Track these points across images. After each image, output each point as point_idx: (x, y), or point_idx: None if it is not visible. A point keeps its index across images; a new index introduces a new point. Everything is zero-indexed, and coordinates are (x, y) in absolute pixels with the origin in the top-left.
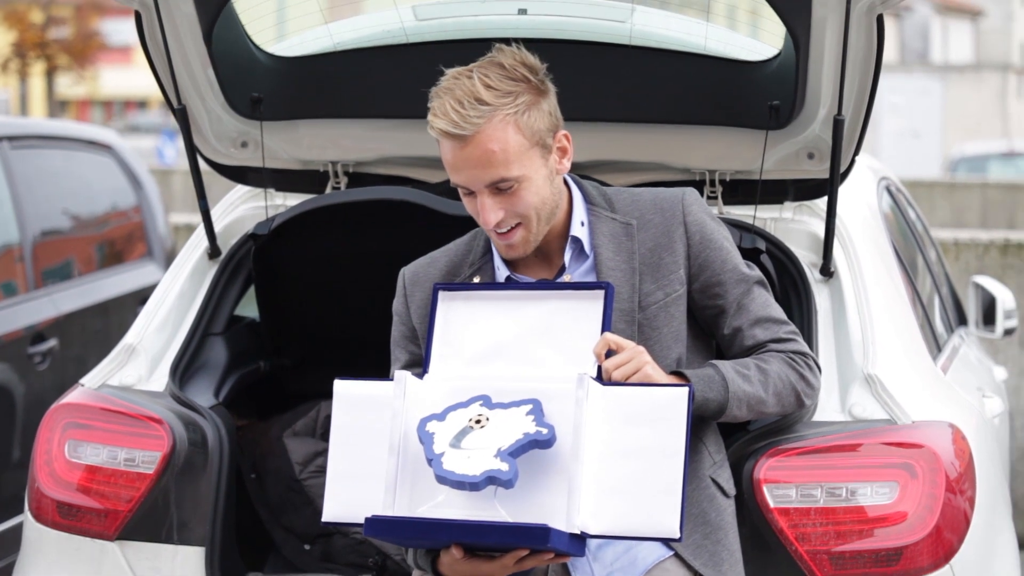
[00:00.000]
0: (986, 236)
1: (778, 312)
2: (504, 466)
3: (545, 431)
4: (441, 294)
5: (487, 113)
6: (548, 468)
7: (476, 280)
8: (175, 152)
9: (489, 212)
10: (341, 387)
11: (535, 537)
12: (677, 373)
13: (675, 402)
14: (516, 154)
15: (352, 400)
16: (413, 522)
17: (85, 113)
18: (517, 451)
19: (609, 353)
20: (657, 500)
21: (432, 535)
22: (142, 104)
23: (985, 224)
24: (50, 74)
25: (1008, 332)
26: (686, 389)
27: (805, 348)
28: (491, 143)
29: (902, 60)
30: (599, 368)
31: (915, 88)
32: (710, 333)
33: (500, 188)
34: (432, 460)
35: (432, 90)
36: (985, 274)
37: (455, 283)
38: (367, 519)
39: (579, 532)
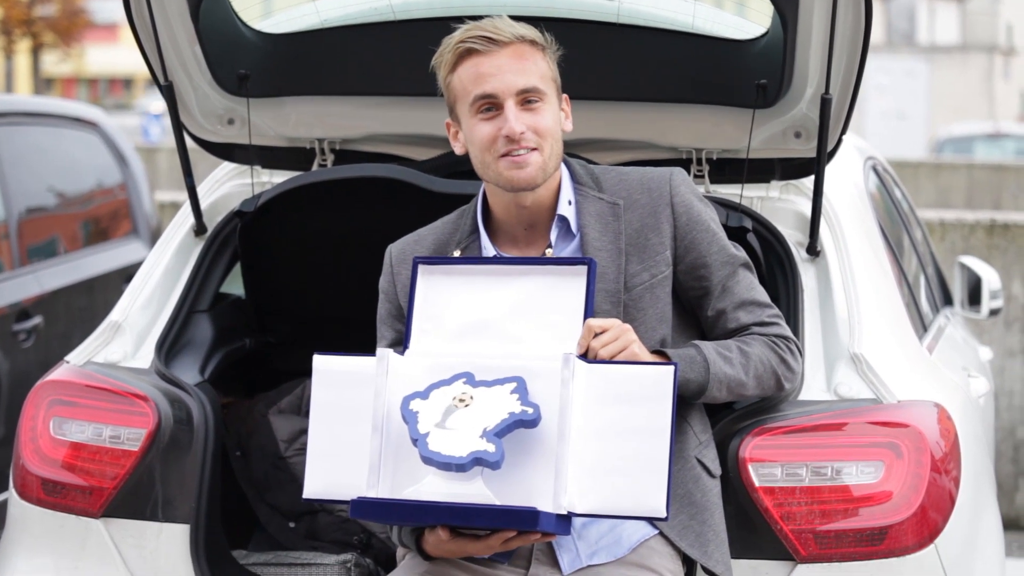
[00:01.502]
0: (972, 216)
1: (762, 295)
2: (490, 447)
3: (530, 411)
4: (421, 268)
5: (521, 33)
6: (533, 448)
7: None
8: (160, 130)
9: (515, 122)
10: (321, 363)
11: (524, 520)
12: (659, 352)
13: (660, 380)
14: (542, 76)
15: (332, 376)
16: (400, 504)
17: (71, 91)
18: (503, 431)
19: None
20: (643, 479)
21: (418, 517)
22: (128, 82)
23: (971, 205)
24: (36, 52)
25: (994, 312)
26: (671, 367)
27: (788, 332)
28: (525, 55)
29: (888, 41)
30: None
31: (901, 69)
32: (694, 314)
33: (529, 99)
34: (417, 440)
35: (443, 39)
36: (971, 254)
37: (435, 257)
38: (353, 501)
39: (565, 512)
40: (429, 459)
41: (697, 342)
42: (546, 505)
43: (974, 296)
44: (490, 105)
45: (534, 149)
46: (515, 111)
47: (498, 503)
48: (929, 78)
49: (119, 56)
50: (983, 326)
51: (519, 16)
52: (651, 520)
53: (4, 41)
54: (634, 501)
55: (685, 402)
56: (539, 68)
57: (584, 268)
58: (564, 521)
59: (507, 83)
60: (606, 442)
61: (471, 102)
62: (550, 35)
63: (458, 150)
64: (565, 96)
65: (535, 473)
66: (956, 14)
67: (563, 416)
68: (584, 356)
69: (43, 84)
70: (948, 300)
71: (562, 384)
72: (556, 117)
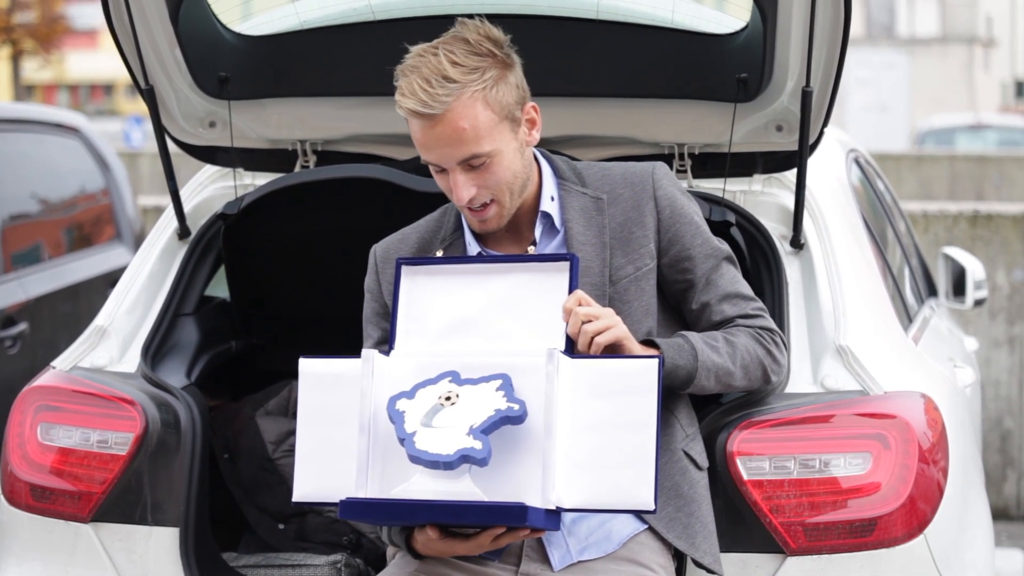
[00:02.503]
0: (955, 208)
1: (746, 288)
2: (477, 444)
3: (516, 407)
4: (404, 269)
5: (455, 91)
6: (520, 444)
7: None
8: (142, 135)
9: (462, 189)
10: (307, 365)
11: (513, 515)
12: (648, 341)
13: (645, 373)
14: (486, 129)
15: (318, 378)
16: (389, 504)
17: (52, 97)
18: (489, 428)
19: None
20: (630, 472)
21: (407, 516)
22: (108, 88)
23: (953, 196)
24: (16, 58)
25: (978, 303)
26: (656, 360)
27: (772, 325)
28: (461, 120)
29: (868, 34)
30: (567, 341)
31: (881, 62)
32: (678, 308)
33: (472, 164)
34: (404, 439)
35: (397, 68)
36: (954, 245)
37: (417, 257)
38: (342, 502)
39: (554, 507)
40: (416, 458)
41: (684, 332)
42: (535, 501)
43: (958, 287)
44: (440, 167)
45: (491, 201)
46: (461, 178)
47: (486, 500)
48: (909, 70)
49: (99, 62)
50: (968, 316)
51: (496, 16)
52: (639, 513)
53: None
54: (622, 494)
55: (674, 393)
56: (481, 123)
57: (567, 263)
58: (553, 516)
59: (445, 156)
60: (593, 436)
61: (422, 160)
62: (508, 38)
63: None
64: (533, 105)
65: (523, 469)
66: (935, 6)
67: (549, 411)
68: (569, 349)
69: (24, 91)
70: (932, 291)
71: (547, 379)
72: (511, 158)
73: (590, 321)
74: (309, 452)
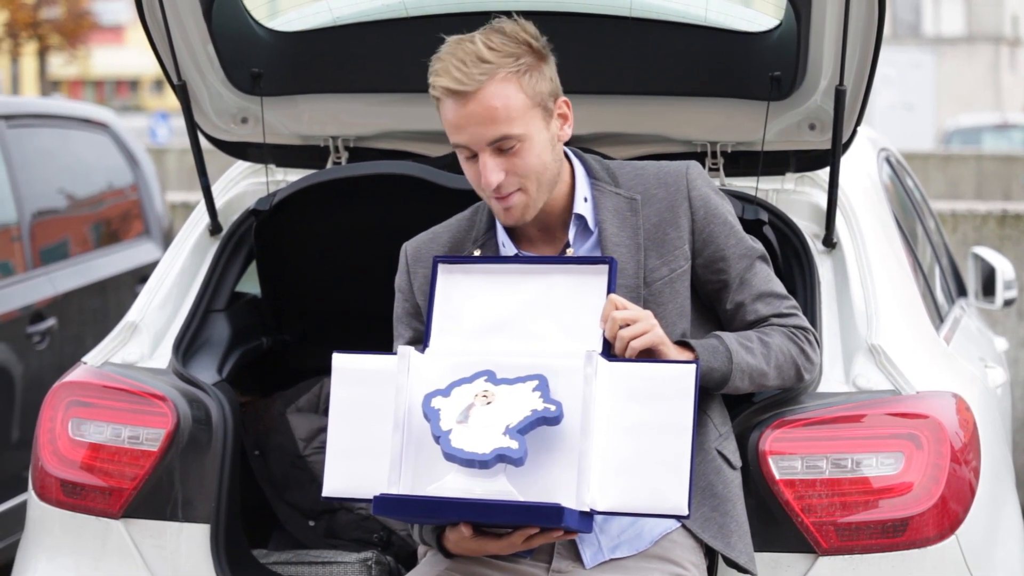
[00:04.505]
0: (983, 207)
1: (780, 287)
2: (514, 444)
3: (553, 408)
4: (441, 267)
5: (490, 71)
6: (555, 445)
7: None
8: (168, 131)
9: (491, 172)
10: (340, 361)
11: (548, 516)
12: (682, 342)
13: (682, 378)
14: (519, 112)
15: (351, 374)
16: (423, 500)
17: (77, 93)
18: (525, 428)
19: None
20: (665, 477)
21: (441, 513)
22: (134, 84)
23: (981, 196)
24: (42, 54)
25: (1008, 303)
26: (693, 366)
27: (806, 323)
28: (494, 99)
29: (895, 33)
30: (604, 344)
31: (908, 61)
32: (712, 308)
33: (502, 148)
34: (440, 437)
35: (433, 57)
36: (983, 245)
37: (455, 256)
38: (376, 497)
39: (588, 509)
40: (452, 456)
41: (718, 332)
42: (569, 502)
43: (988, 287)
44: (467, 152)
45: (518, 190)
46: (490, 161)
47: (522, 499)
48: (935, 70)
49: (125, 57)
50: (997, 316)
51: (531, 13)
52: (673, 518)
53: (10, 44)
54: (656, 499)
55: (707, 393)
56: (514, 105)
57: (606, 267)
58: (587, 518)
59: (476, 136)
60: (628, 439)
61: (452, 143)
62: (545, 38)
63: None
64: (564, 99)
65: (558, 470)
66: (961, 5)
67: (586, 413)
68: (606, 352)
69: (49, 86)
70: (962, 291)
71: (584, 381)
72: (542, 147)
73: (627, 325)
74: (340, 448)
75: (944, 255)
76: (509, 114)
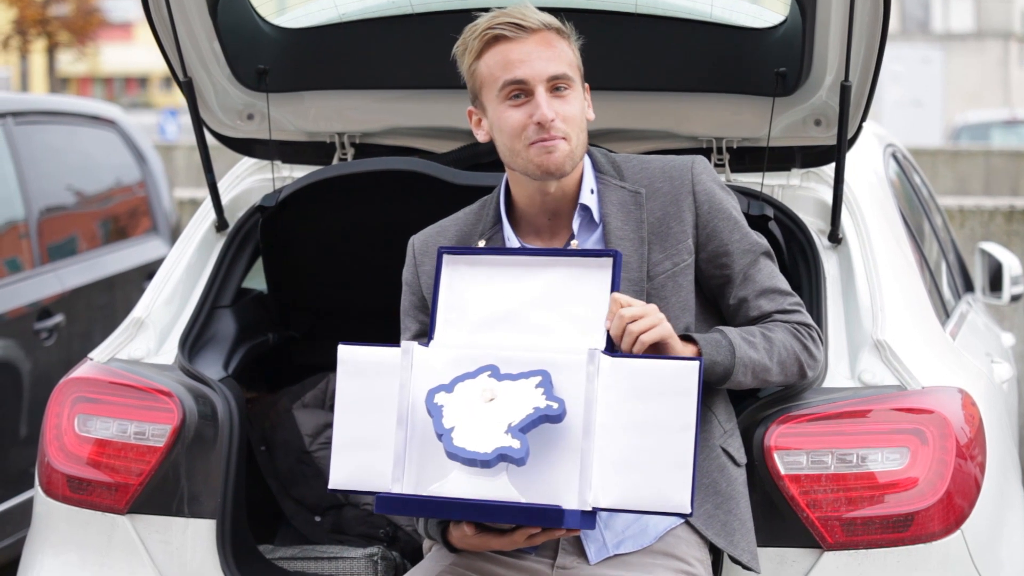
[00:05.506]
0: (991, 203)
1: (783, 283)
2: (515, 443)
3: (555, 405)
4: (446, 258)
5: (546, 20)
6: (558, 442)
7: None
8: (177, 128)
9: (546, 107)
10: (345, 352)
11: (548, 518)
12: (685, 337)
13: (686, 375)
14: (569, 61)
15: (357, 366)
16: (424, 500)
17: (86, 90)
18: (528, 426)
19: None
20: (668, 475)
21: (443, 512)
22: (143, 81)
23: (989, 192)
24: (51, 51)
25: (1015, 299)
26: (696, 362)
27: (809, 320)
28: (553, 41)
29: (903, 29)
30: (608, 339)
31: (916, 57)
32: (716, 303)
33: (557, 86)
34: (442, 435)
35: (466, 28)
36: (990, 240)
37: (460, 247)
38: (377, 497)
39: (591, 508)
40: (454, 455)
41: (721, 327)
42: (571, 502)
43: (995, 282)
44: (519, 92)
45: (563, 138)
46: (546, 97)
47: (523, 501)
48: (944, 66)
49: (134, 55)
50: (1004, 312)
51: (538, 7)
52: (675, 515)
53: (19, 41)
54: (659, 497)
55: (710, 388)
56: (566, 55)
57: (610, 260)
58: (589, 517)
59: (537, 70)
60: (631, 437)
61: (499, 88)
62: (570, 24)
63: (481, 137)
64: (587, 85)
65: (560, 469)
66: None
67: (588, 411)
68: (610, 347)
69: (59, 83)
70: (969, 286)
71: (587, 379)
72: (582, 106)
73: (635, 320)
74: (346, 439)
75: (951, 251)
76: (566, 58)
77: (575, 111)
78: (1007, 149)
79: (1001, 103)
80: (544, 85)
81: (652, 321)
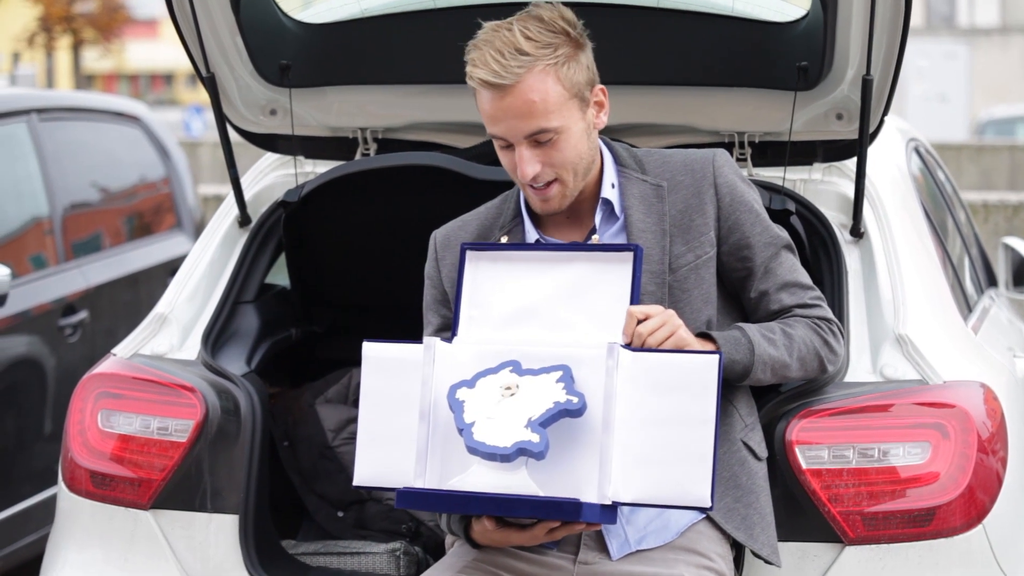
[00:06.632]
0: (1015, 198)
1: (804, 277)
2: (535, 437)
3: (576, 400)
4: (468, 254)
5: (528, 63)
6: (578, 437)
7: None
8: (202, 124)
9: (527, 164)
10: (370, 349)
11: (567, 511)
12: (703, 335)
13: (705, 369)
14: (556, 105)
15: (381, 363)
16: (444, 494)
17: (112, 87)
18: (547, 421)
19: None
20: (688, 469)
21: (464, 507)
22: (168, 78)
23: (1014, 186)
24: (76, 48)
25: None
26: (716, 356)
27: (830, 314)
28: (531, 93)
29: (928, 24)
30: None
31: (941, 52)
32: (737, 295)
33: (539, 140)
34: (463, 430)
35: (469, 43)
36: (1014, 235)
37: (482, 243)
38: (399, 491)
39: (610, 502)
40: (474, 449)
41: (741, 324)
42: (591, 496)
43: (1018, 277)
44: (503, 142)
45: (555, 181)
46: (527, 153)
47: (542, 494)
48: (969, 60)
49: (159, 51)
50: None
51: (560, 3)
52: (696, 509)
53: (45, 38)
54: (679, 491)
55: (730, 385)
56: (551, 98)
57: (631, 254)
58: (609, 511)
59: (513, 129)
60: (651, 431)
61: (489, 133)
62: (581, 23)
63: None
64: (601, 87)
65: (580, 463)
66: None
67: (608, 406)
68: (629, 344)
69: (84, 80)
70: (992, 281)
71: (607, 373)
72: (578, 138)
73: (652, 333)
74: (370, 436)
75: (974, 245)
76: (547, 107)
77: (564, 155)
78: None
79: None
80: (524, 143)
81: (668, 330)
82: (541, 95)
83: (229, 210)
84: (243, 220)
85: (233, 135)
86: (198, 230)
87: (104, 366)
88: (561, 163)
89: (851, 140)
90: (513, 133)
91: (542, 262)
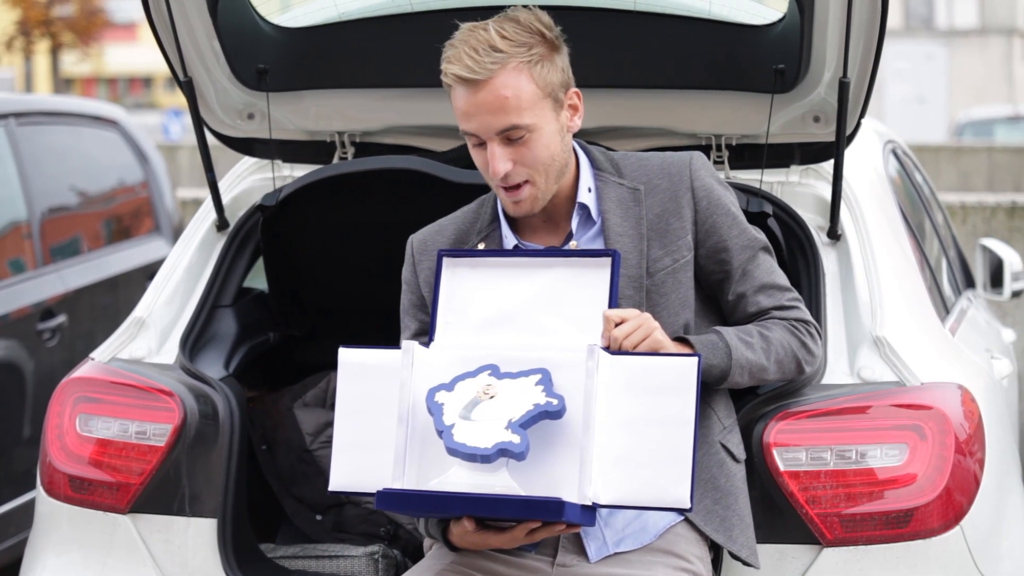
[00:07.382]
0: (993, 199)
1: (782, 279)
2: (515, 438)
3: (555, 402)
4: (445, 261)
5: (501, 60)
6: (557, 439)
7: (482, 247)
8: (181, 128)
9: (498, 162)
10: (346, 355)
11: (549, 511)
12: (681, 339)
13: (685, 371)
14: (528, 102)
15: (357, 368)
16: (425, 495)
17: (91, 90)
18: (527, 422)
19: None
20: (667, 470)
21: (443, 508)
22: (147, 81)
23: (992, 188)
24: (55, 52)
25: (1016, 294)
26: (695, 359)
27: (807, 316)
28: (504, 89)
29: (907, 26)
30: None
31: (920, 53)
32: (715, 299)
33: (511, 138)
34: (442, 432)
35: (446, 43)
36: (992, 237)
37: (459, 249)
38: (379, 492)
39: (590, 503)
40: (454, 450)
41: (718, 328)
42: (571, 496)
43: (996, 278)
44: (476, 139)
45: (526, 182)
46: (499, 150)
47: (523, 494)
48: (948, 62)
49: (138, 55)
50: (1005, 308)
51: (537, 7)
52: (675, 511)
53: (23, 42)
54: (659, 492)
55: (708, 387)
56: (524, 95)
57: (608, 260)
58: (589, 512)
59: (485, 125)
60: (630, 433)
61: (462, 130)
62: (559, 26)
63: None
64: (575, 91)
65: (560, 464)
66: None
67: (588, 407)
68: (608, 348)
69: (63, 84)
70: (970, 282)
71: (587, 375)
72: (551, 138)
73: (628, 336)
74: (346, 442)
75: (952, 247)
76: (519, 104)
77: (536, 153)
78: (1010, 145)
79: (1005, 99)
80: (495, 139)
81: (644, 333)
82: (514, 91)
83: (207, 214)
84: (221, 224)
85: (211, 139)
86: (176, 234)
87: (82, 370)
88: (532, 163)
89: (828, 142)
90: (485, 129)
91: (519, 268)
